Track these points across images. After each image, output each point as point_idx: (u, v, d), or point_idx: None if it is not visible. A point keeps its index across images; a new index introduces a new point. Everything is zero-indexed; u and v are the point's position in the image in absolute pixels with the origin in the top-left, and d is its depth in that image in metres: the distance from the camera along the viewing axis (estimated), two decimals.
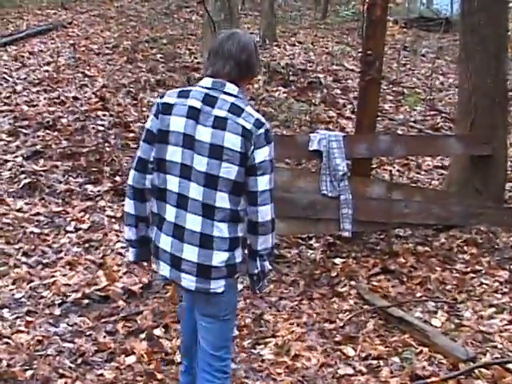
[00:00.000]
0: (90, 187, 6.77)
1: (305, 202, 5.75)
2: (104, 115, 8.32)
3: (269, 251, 2.78)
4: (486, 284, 5.36)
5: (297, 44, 12.14)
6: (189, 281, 2.71)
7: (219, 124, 2.61)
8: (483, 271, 5.60)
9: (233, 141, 2.60)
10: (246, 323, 4.71)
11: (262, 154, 2.62)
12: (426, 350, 4.31)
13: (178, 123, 2.65)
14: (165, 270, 2.79)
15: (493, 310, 4.84)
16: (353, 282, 5.40)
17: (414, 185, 7.53)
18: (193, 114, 2.64)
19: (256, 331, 4.63)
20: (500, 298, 5.07)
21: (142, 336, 4.44)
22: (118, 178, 6.95)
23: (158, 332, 4.49)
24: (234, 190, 2.65)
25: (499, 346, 4.37)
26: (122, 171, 7.04)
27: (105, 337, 4.44)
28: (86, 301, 4.86)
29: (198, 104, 2.65)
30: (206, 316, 2.82)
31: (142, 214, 2.80)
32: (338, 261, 5.81)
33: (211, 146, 2.61)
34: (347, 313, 4.90)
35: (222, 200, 2.63)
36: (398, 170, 8.04)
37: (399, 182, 7.38)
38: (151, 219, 2.82)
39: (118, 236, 5.93)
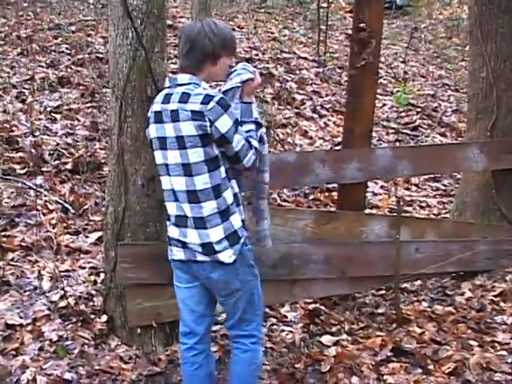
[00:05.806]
0: None
1: (274, 257, 3.79)
2: None
3: None
4: None
5: (237, 29, 10.09)
6: None
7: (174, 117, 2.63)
8: None
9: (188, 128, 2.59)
10: None
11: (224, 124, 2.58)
12: None
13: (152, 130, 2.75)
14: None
15: None
16: (356, 380, 3.51)
17: (415, 215, 5.63)
18: (158, 118, 2.70)
19: None
20: None
21: None
22: None
23: None
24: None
25: None
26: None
27: None
28: None
29: (158, 107, 2.71)
30: None
31: None
32: (326, 340, 3.91)
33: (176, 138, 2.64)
34: None
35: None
36: (382, 187, 6.16)
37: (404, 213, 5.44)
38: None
39: None
